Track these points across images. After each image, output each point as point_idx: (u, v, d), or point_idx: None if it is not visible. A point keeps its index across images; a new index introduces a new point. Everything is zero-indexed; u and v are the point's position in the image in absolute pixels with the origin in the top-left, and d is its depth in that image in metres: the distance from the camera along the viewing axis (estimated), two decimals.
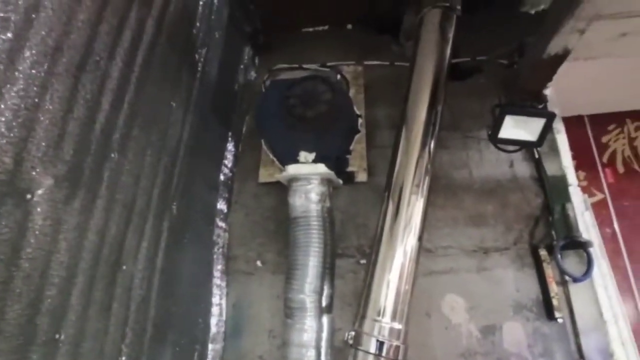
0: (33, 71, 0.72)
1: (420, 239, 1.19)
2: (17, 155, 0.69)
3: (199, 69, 1.44)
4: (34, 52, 0.72)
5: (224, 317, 1.50)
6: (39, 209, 0.74)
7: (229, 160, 1.68)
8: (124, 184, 0.99)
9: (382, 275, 1.16)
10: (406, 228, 1.19)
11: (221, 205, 1.59)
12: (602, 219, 2.04)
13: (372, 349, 1.08)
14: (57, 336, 0.78)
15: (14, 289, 0.68)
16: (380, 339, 1.09)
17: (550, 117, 1.25)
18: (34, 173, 0.72)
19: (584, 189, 2.09)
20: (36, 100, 0.73)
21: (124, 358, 0.97)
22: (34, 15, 0.73)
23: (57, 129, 0.78)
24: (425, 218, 1.20)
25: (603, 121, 2.21)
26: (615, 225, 2.05)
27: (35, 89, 0.73)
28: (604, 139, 2.22)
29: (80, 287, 0.83)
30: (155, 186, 1.13)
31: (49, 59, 0.76)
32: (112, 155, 0.94)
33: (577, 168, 2.15)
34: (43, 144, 0.74)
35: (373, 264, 1.19)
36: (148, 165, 1.09)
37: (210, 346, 1.43)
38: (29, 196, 0.72)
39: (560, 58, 1.17)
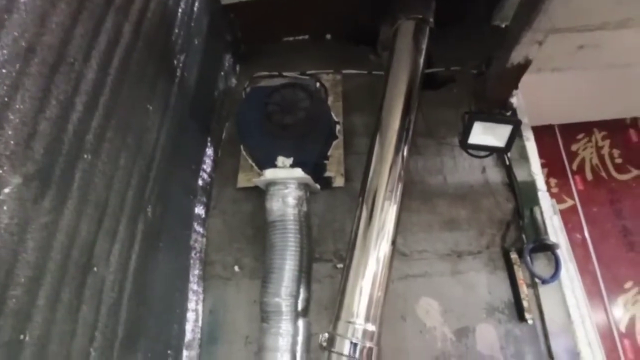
0: (4, 70, 0.73)
1: (393, 243, 1.21)
2: None
3: (178, 74, 1.45)
4: (5, 52, 0.73)
5: (199, 323, 1.48)
6: (5, 207, 0.73)
7: (207, 166, 1.69)
8: (97, 185, 0.99)
9: (355, 280, 1.18)
10: (379, 234, 1.21)
11: (199, 210, 1.59)
12: (572, 225, 2.11)
13: (346, 350, 1.09)
14: (21, 337, 0.77)
15: None
16: (354, 341, 1.10)
17: (516, 124, 1.30)
18: (0, 171, 0.72)
19: (555, 196, 2.17)
20: (6, 99, 0.74)
21: (92, 357, 0.95)
22: (6, 16, 0.74)
23: (28, 128, 0.78)
24: (399, 223, 1.23)
25: (572, 130, 2.30)
26: (585, 231, 2.12)
27: (5, 88, 0.73)
28: (574, 148, 2.31)
29: (47, 287, 0.82)
30: (129, 189, 1.13)
31: (21, 59, 0.76)
32: (85, 156, 0.94)
33: (549, 175, 2.23)
34: (12, 142, 0.74)
35: (347, 268, 1.20)
36: (122, 168, 1.09)
37: (184, 352, 1.41)
38: None
39: (523, 67, 1.23)
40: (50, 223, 0.84)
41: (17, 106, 0.75)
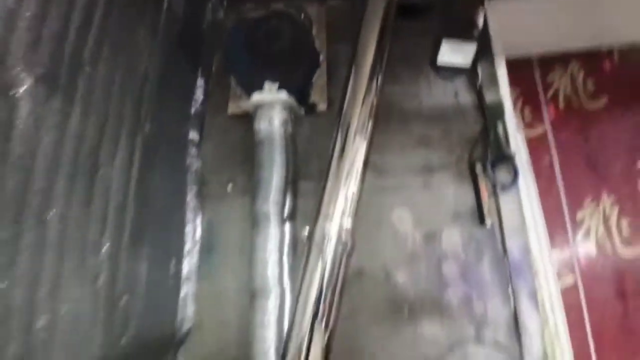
0: None
1: (366, 164, 1.36)
2: (2, 54, 0.81)
3: (165, 3, 1.52)
4: None
5: (197, 235, 1.66)
6: (22, 104, 0.86)
7: (199, 95, 1.79)
8: (97, 97, 1.11)
9: (332, 192, 1.34)
10: (356, 155, 1.36)
11: (193, 136, 1.72)
12: (542, 150, 2.26)
13: (323, 243, 1.27)
14: (46, 216, 0.92)
15: (7, 165, 0.82)
16: (331, 235, 1.27)
17: (482, 42, 1.40)
18: (16, 70, 0.84)
19: (528, 124, 2.30)
20: (13, 7, 0.84)
21: (105, 247, 1.12)
22: None
23: (33, 35, 0.89)
24: (370, 150, 1.37)
25: (550, 62, 2.39)
26: (554, 155, 2.27)
27: None
28: (549, 78, 2.40)
29: (63, 177, 0.97)
30: (126, 105, 1.24)
31: None
32: (86, 67, 1.05)
33: (523, 104, 2.35)
34: (22, 45, 0.85)
35: (323, 188, 1.37)
36: (118, 85, 1.21)
37: (185, 259, 1.60)
38: (13, 92, 0.84)
39: None
40: (60, 123, 0.97)
41: (24, 14, 0.86)
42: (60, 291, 0.95)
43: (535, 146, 2.16)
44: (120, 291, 1.18)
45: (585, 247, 2.13)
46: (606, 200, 2.20)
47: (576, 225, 2.17)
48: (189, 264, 1.62)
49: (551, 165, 2.22)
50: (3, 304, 0.81)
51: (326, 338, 1.27)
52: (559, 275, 2.04)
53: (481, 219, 1.53)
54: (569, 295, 2.00)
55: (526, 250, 1.50)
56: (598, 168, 2.18)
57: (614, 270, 2.04)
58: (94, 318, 1.08)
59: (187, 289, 1.58)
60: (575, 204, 2.18)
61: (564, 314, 1.50)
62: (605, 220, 2.17)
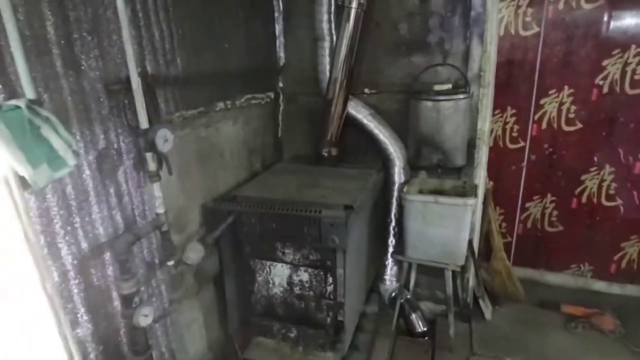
0: None
1: None
2: None
3: None
4: None
5: (281, 6, 2.74)
6: None
7: None
8: None
9: None
10: None
11: None
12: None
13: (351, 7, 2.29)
14: None
15: None
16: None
17: None
18: None
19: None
20: None
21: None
22: None
23: None
24: None
25: None
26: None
27: None
28: None
29: None
30: None
31: None
32: None
33: None
34: None
35: None
36: None
37: (275, 23, 2.75)
38: None
39: None
40: None
41: None
42: None
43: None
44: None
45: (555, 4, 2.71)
46: None
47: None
48: (277, 25, 2.78)
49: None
50: None
51: (352, 62, 2.47)
52: (529, 27, 2.76)
53: None
54: (533, 39, 2.78)
55: (483, 6, 2.34)
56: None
57: (572, 20, 2.66)
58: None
59: (279, 42, 2.80)
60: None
61: (496, 46, 2.43)
62: None
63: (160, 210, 1.48)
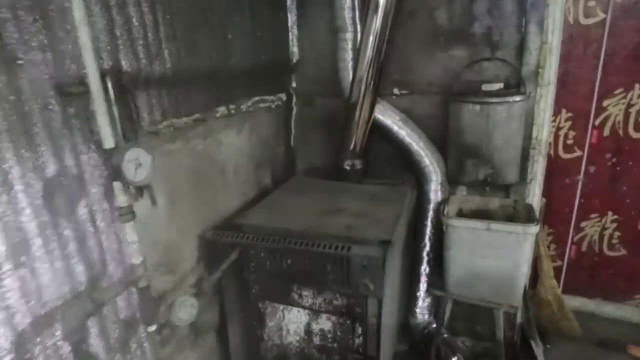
0: None
1: None
2: None
3: None
4: None
5: None
6: None
7: None
8: None
9: None
10: None
11: None
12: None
13: None
14: None
15: None
16: None
17: None
18: None
19: None
20: None
21: None
22: None
23: None
24: None
25: None
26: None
27: None
28: None
29: None
30: None
31: None
32: None
33: None
34: None
35: None
36: None
37: (288, 12, 2.33)
38: None
39: None
40: None
41: None
42: None
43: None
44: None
45: None
46: None
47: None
48: (290, 14, 2.36)
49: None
50: None
51: (382, 58, 2.04)
52: (592, 14, 2.30)
53: None
54: (596, 28, 2.33)
55: None
56: None
57: None
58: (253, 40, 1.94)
59: (292, 34, 2.38)
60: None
61: (560, 36, 1.99)
62: None
63: (136, 260, 1.06)
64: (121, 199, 1.02)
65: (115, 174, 0.95)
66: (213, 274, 1.45)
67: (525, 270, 1.86)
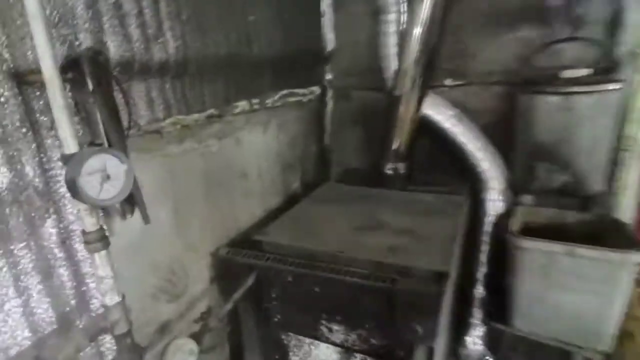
0: None
1: None
2: None
3: None
4: None
5: None
6: None
7: None
8: None
9: None
10: None
11: None
12: None
13: None
14: None
15: None
16: None
17: None
18: None
19: None
20: None
21: None
22: None
23: None
24: None
25: None
26: None
27: None
28: None
29: None
30: None
31: None
32: None
33: None
34: None
35: None
36: None
37: None
38: None
39: None
40: None
41: None
42: None
43: None
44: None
45: None
46: None
47: None
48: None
49: None
50: None
51: (433, 44, 1.69)
52: None
53: None
54: None
55: None
56: None
57: None
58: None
59: (326, 18, 2.08)
60: None
61: None
62: None
63: (111, 301, 0.81)
64: (88, 222, 0.76)
65: (72, 190, 0.70)
66: (223, 305, 1.18)
67: (619, 308, 1.45)
